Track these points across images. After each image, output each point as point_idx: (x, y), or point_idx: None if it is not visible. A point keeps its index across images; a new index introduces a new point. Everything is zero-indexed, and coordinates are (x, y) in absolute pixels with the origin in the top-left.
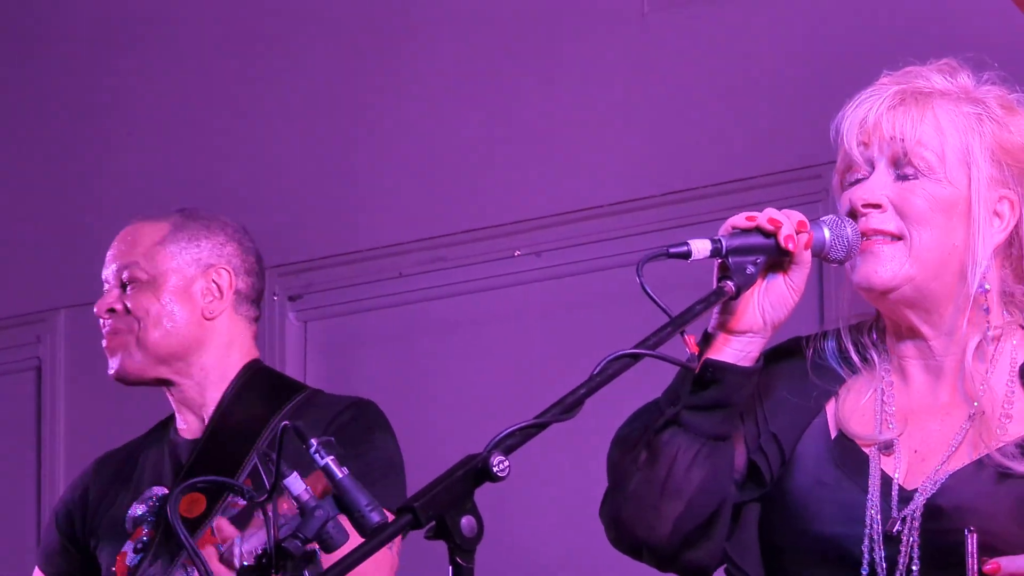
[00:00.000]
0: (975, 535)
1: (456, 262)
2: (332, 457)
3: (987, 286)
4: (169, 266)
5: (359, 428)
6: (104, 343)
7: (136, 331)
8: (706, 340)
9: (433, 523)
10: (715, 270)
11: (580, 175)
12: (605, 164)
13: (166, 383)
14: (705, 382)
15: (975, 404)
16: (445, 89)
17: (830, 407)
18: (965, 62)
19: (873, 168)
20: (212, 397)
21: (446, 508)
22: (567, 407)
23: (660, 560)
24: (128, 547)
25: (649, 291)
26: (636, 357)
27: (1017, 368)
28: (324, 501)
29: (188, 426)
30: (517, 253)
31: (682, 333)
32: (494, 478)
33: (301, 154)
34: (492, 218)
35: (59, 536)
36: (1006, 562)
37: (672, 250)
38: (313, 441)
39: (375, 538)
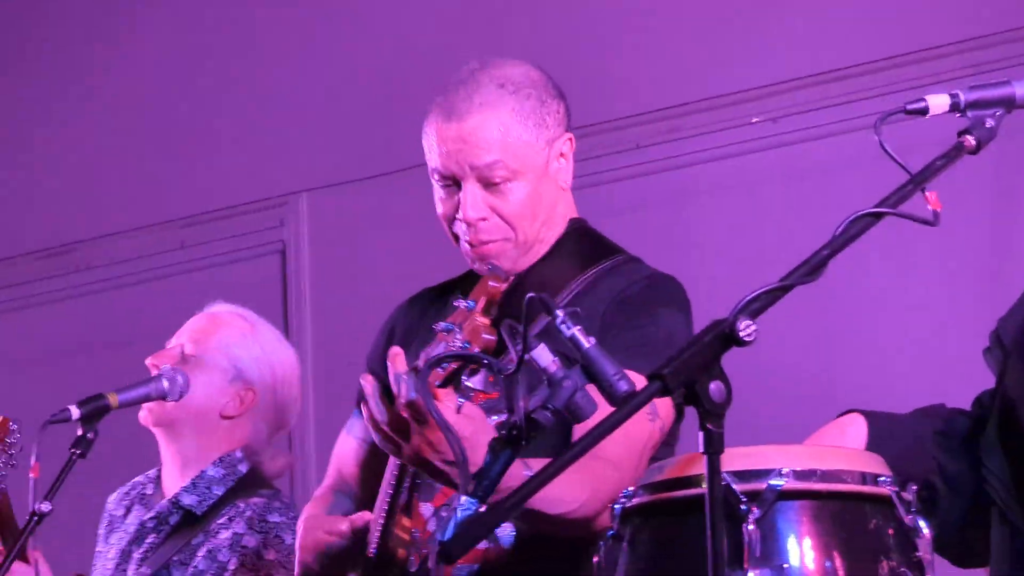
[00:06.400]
0: None
1: (692, 131)
2: (579, 328)
3: None
4: (528, 157)
5: (644, 301)
6: (473, 248)
7: (510, 234)
8: None
9: (683, 389)
10: None
11: (815, 39)
12: (841, 27)
13: None
14: None
15: None
16: None
17: None
18: None
19: None
20: (531, 259)
21: (695, 374)
22: (811, 269)
23: None
24: None
25: (888, 149)
26: (878, 216)
27: None
28: (572, 371)
29: None
30: (754, 120)
31: (923, 190)
32: (741, 343)
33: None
34: (728, 86)
35: (369, 373)
36: None
37: (909, 107)
38: (559, 312)
39: (624, 406)
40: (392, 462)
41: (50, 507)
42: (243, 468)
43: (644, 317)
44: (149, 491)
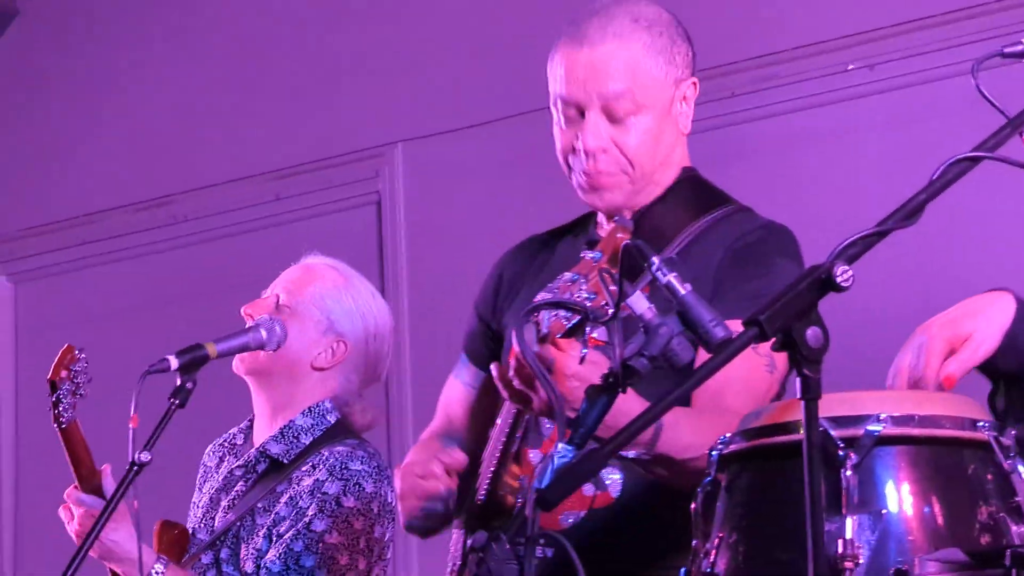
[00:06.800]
0: None
1: (787, 79)
2: (675, 274)
3: None
4: (655, 92)
5: (760, 251)
6: (588, 177)
7: (628, 169)
8: None
9: (780, 335)
10: None
11: None
12: None
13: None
14: None
15: None
16: None
17: None
18: None
19: None
20: (643, 199)
21: (791, 320)
22: (908, 213)
23: None
24: None
25: (985, 93)
26: (975, 160)
27: None
28: (668, 318)
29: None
30: (850, 67)
31: (1021, 133)
32: (838, 288)
33: None
34: (824, 33)
35: (476, 318)
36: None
37: (1006, 50)
38: (654, 259)
39: (720, 353)
40: (507, 411)
41: (149, 457)
42: (331, 418)
43: (759, 268)
44: (240, 441)
